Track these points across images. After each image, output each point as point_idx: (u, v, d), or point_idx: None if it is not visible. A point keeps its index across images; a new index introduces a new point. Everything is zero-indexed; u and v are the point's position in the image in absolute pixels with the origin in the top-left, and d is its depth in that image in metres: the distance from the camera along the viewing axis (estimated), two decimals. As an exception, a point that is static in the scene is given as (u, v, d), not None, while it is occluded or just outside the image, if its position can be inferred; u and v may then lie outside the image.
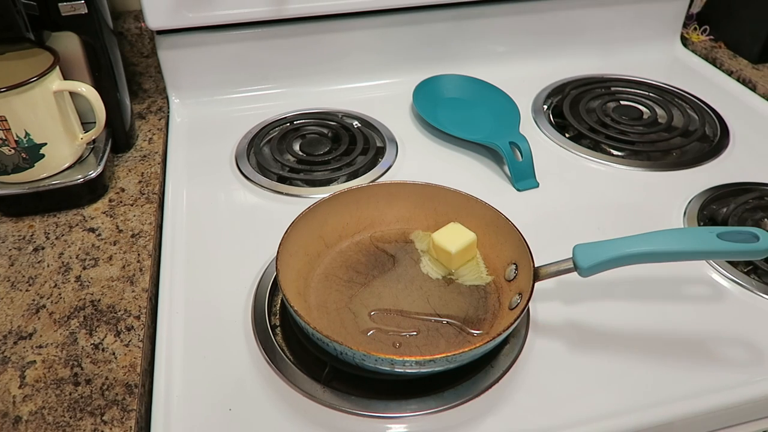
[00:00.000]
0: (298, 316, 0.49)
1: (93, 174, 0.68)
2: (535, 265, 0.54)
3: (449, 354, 0.46)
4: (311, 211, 0.59)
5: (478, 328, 0.55)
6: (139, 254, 0.62)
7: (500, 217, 0.59)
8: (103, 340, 0.53)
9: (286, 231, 0.56)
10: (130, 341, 0.53)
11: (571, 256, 0.52)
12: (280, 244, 0.55)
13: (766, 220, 0.67)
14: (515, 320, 0.49)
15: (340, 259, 0.62)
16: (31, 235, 0.64)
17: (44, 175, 0.67)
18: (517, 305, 0.53)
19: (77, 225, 0.66)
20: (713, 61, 1.01)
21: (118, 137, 0.76)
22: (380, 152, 0.80)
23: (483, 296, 0.58)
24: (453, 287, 0.59)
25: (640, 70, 0.97)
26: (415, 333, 0.54)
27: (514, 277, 0.57)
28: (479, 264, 0.61)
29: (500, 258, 0.60)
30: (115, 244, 0.63)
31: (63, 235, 0.64)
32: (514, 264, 0.57)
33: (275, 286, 0.59)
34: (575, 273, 0.52)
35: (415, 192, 0.64)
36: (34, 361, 0.51)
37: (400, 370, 0.47)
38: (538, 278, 0.53)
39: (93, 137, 0.70)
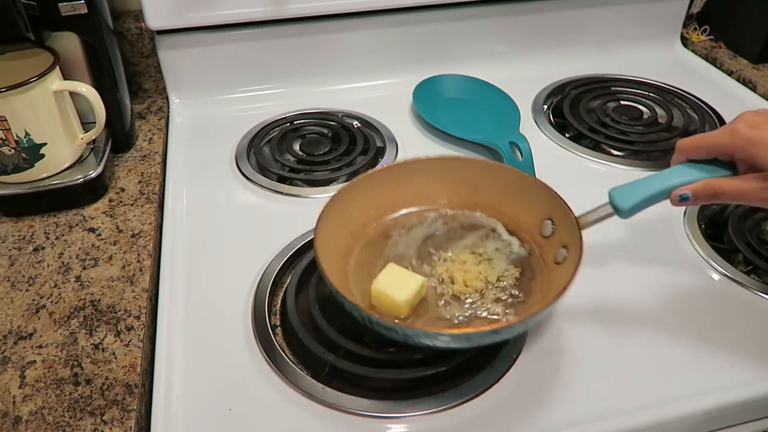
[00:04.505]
0: (359, 309, 0.46)
1: (93, 174, 0.68)
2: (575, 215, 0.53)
3: (526, 317, 0.46)
4: (332, 205, 0.56)
5: (530, 294, 0.54)
6: (139, 254, 0.62)
7: (523, 176, 0.57)
8: (103, 340, 0.53)
9: (316, 229, 0.53)
10: (130, 341, 0.53)
11: (607, 201, 0.51)
12: (314, 246, 0.52)
13: (766, 220, 0.67)
14: (575, 270, 0.48)
15: (369, 247, 0.59)
16: (31, 235, 0.64)
17: (44, 175, 0.67)
18: (564, 258, 0.52)
19: (77, 225, 0.66)
20: (713, 61, 1.01)
21: (118, 137, 0.76)
22: (380, 152, 0.80)
23: (524, 262, 0.57)
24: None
25: (640, 70, 0.97)
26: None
27: (552, 231, 0.56)
28: (508, 243, 0.59)
29: (531, 217, 0.58)
30: (115, 244, 0.63)
31: (63, 235, 0.64)
32: (549, 219, 0.56)
33: (275, 286, 0.59)
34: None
35: (431, 167, 0.61)
36: (34, 361, 0.51)
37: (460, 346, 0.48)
38: (581, 228, 0.52)
39: (93, 137, 0.70)
